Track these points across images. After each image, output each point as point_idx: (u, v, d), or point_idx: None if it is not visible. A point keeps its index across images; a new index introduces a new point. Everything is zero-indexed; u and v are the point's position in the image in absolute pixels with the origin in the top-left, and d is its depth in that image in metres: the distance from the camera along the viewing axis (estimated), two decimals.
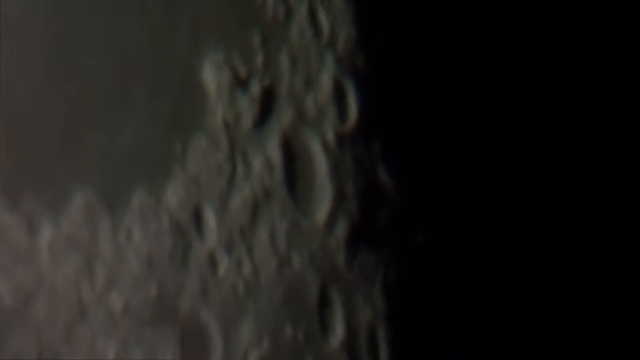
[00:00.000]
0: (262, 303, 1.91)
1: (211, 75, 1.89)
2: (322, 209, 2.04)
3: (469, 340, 2.35)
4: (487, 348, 2.38)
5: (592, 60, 2.53)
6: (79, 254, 1.67)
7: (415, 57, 2.30)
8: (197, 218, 1.83)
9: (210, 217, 1.85)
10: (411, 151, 2.25)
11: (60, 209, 1.66)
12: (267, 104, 1.97)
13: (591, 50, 2.53)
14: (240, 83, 1.93)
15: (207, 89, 1.88)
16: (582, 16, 2.51)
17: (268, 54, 1.98)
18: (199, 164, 1.84)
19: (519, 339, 2.44)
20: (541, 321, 2.47)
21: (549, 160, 2.52)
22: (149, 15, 1.82)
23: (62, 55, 1.69)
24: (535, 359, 2.45)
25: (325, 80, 2.07)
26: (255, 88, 1.95)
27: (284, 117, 1.99)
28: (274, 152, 1.96)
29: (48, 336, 1.62)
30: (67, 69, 1.70)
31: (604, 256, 2.53)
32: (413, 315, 2.20)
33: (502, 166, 2.46)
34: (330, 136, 2.07)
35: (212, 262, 1.84)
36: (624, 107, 2.56)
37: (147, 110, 1.79)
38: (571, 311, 2.49)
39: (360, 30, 2.15)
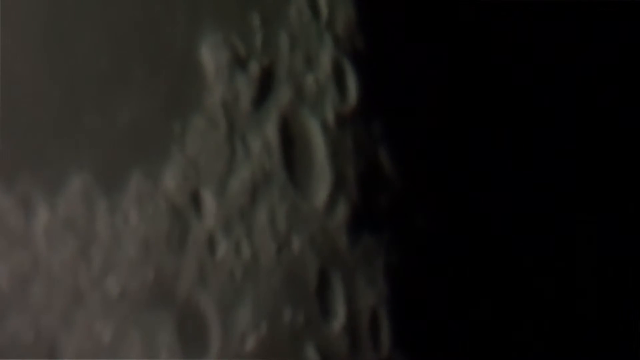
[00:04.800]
0: (261, 286, 1.89)
1: (210, 55, 1.86)
2: (322, 191, 2.02)
3: (472, 323, 2.34)
4: (490, 331, 2.37)
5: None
6: (76, 237, 1.65)
7: (415, 38, 2.28)
8: (195, 200, 1.81)
9: (208, 200, 1.83)
10: (412, 133, 2.23)
11: (57, 192, 1.63)
12: (266, 85, 1.94)
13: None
14: (239, 63, 1.90)
15: (205, 69, 1.86)
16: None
17: (267, 34, 1.96)
18: (198, 145, 1.82)
19: (522, 323, 2.43)
20: (544, 306, 2.46)
21: (551, 145, 2.51)
22: None
23: (59, 36, 1.67)
24: (539, 347, 2.44)
25: (325, 61, 2.05)
26: (254, 68, 1.93)
27: (283, 97, 1.97)
28: (273, 133, 1.94)
29: (45, 320, 1.60)
30: (63, 50, 1.67)
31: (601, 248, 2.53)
32: (415, 299, 2.19)
33: (504, 149, 2.44)
34: (330, 117, 2.05)
35: (211, 245, 1.82)
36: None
37: (145, 91, 1.76)
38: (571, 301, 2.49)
39: (359, 10, 2.12)
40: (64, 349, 1.62)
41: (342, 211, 2.05)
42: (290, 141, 1.98)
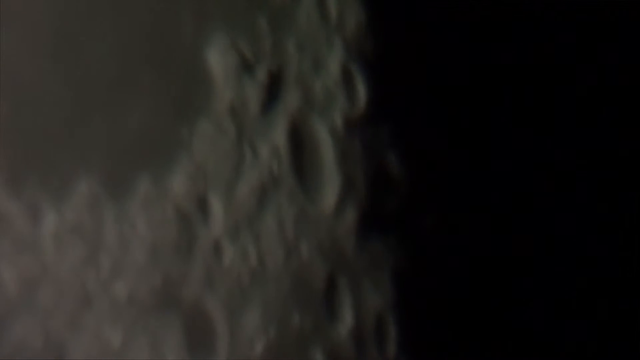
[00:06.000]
0: (268, 291, 1.89)
1: (218, 60, 1.87)
2: (330, 195, 2.02)
3: (478, 327, 2.33)
4: (495, 336, 2.37)
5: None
6: (84, 242, 1.65)
7: (424, 42, 2.27)
8: (203, 206, 1.81)
9: (216, 205, 1.83)
10: (420, 137, 2.23)
11: (65, 198, 1.64)
12: (274, 89, 1.95)
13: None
14: (246, 68, 1.90)
15: (213, 74, 1.86)
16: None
17: (275, 39, 1.96)
18: (205, 151, 1.82)
19: (526, 326, 2.43)
20: (546, 308, 2.46)
21: (558, 147, 2.51)
22: (155, 0, 1.80)
23: (67, 41, 1.67)
24: (540, 347, 2.44)
25: (333, 66, 2.05)
26: (262, 73, 1.93)
27: (291, 102, 1.97)
28: (281, 138, 1.94)
29: (53, 325, 1.61)
30: (72, 55, 1.68)
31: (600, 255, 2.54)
32: (422, 303, 2.19)
33: (510, 152, 2.44)
34: (338, 122, 2.05)
35: (218, 250, 1.83)
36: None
37: (152, 96, 1.77)
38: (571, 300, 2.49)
39: (368, 14, 2.12)
40: (72, 353, 1.63)
41: (350, 216, 2.05)
42: (299, 146, 1.98)
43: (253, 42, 1.92)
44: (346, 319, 2.03)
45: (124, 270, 1.69)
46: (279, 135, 1.94)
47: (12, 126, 1.60)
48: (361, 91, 2.10)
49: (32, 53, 1.63)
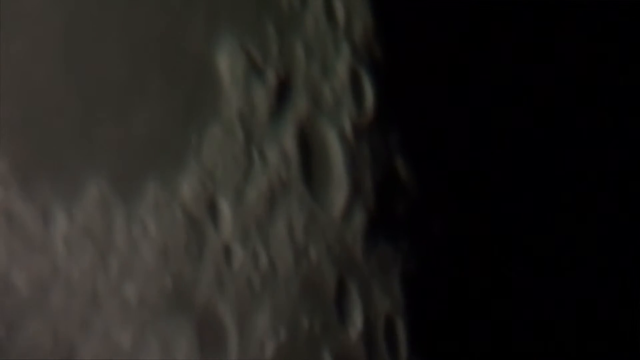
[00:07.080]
0: (278, 295, 1.90)
1: (226, 65, 1.88)
2: (339, 200, 2.03)
3: (489, 329, 2.33)
4: (505, 338, 2.36)
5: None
6: (94, 245, 1.66)
7: (432, 46, 2.28)
8: (212, 209, 1.82)
9: (225, 209, 1.84)
10: (428, 141, 2.23)
11: (75, 200, 1.65)
12: (282, 94, 1.96)
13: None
14: (255, 72, 1.92)
15: (222, 78, 1.87)
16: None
17: (283, 43, 1.97)
18: (214, 155, 1.83)
19: (540, 329, 2.43)
20: (554, 311, 2.46)
21: (567, 151, 2.51)
22: (165, 4, 1.81)
23: (78, 45, 1.69)
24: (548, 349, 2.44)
25: (342, 70, 2.06)
26: (271, 77, 1.94)
27: (299, 107, 1.98)
28: (290, 142, 1.95)
29: (63, 326, 1.62)
30: (82, 59, 1.69)
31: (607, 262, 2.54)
32: (431, 306, 2.18)
33: (520, 157, 2.44)
34: (347, 126, 2.06)
35: (228, 254, 1.83)
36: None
37: (162, 100, 1.78)
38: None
39: (376, 18, 2.13)
40: (82, 354, 1.64)
41: (359, 220, 2.06)
42: (308, 150, 1.99)
43: (262, 47, 1.93)
44: (356, 322, 2.03)
45: (133, 272, 1.70)
46: (288, 139, 1.95)
47: (23, 129, 1.61)
48: (369, 95, 2.10)
49: (42, 56, 1.65)
